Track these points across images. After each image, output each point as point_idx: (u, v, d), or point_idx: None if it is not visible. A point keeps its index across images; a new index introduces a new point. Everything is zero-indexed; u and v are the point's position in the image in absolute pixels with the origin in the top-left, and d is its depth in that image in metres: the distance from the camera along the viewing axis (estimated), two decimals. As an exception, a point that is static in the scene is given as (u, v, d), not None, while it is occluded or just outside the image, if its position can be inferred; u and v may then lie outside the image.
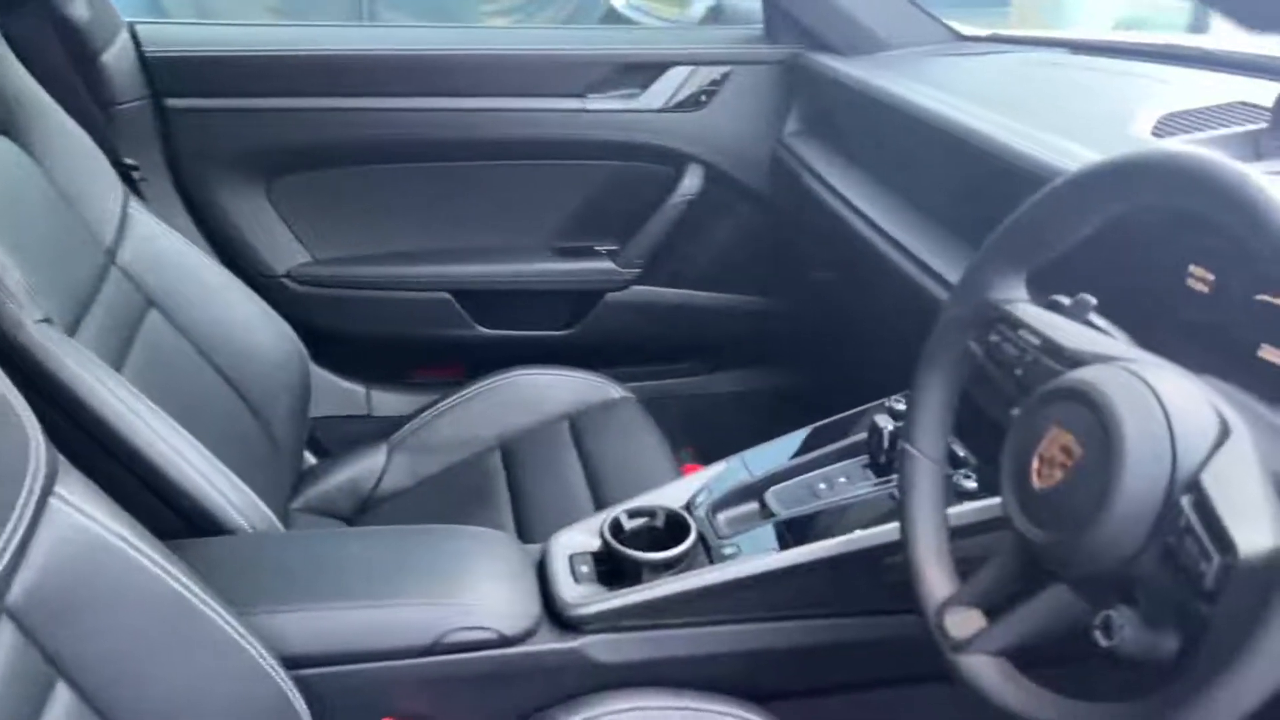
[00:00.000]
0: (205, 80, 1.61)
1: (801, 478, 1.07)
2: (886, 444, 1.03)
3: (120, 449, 0.96)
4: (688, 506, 1.05)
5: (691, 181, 1.74)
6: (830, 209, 1.47)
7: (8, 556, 0.62)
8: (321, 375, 1.71)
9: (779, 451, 1.13)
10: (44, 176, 1.10)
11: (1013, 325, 0.73)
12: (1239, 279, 0.77)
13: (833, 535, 0.95)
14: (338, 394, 1.77)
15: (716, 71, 1.69)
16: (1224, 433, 0.57)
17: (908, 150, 1.38)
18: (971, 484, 0.95)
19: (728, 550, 0.99)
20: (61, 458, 0.70)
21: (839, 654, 0.98)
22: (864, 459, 1.07)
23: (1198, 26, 2.11)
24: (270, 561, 0.98)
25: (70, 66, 1.45)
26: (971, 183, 1.18)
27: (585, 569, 0.98)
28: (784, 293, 1.84)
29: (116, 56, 1.52)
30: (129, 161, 1.54)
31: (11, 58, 1.17)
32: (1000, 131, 1.11)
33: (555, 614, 0.95)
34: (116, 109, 1.54)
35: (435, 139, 1.68)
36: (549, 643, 0.93)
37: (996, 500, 0.85)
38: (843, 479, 1.05)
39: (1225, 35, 1.82)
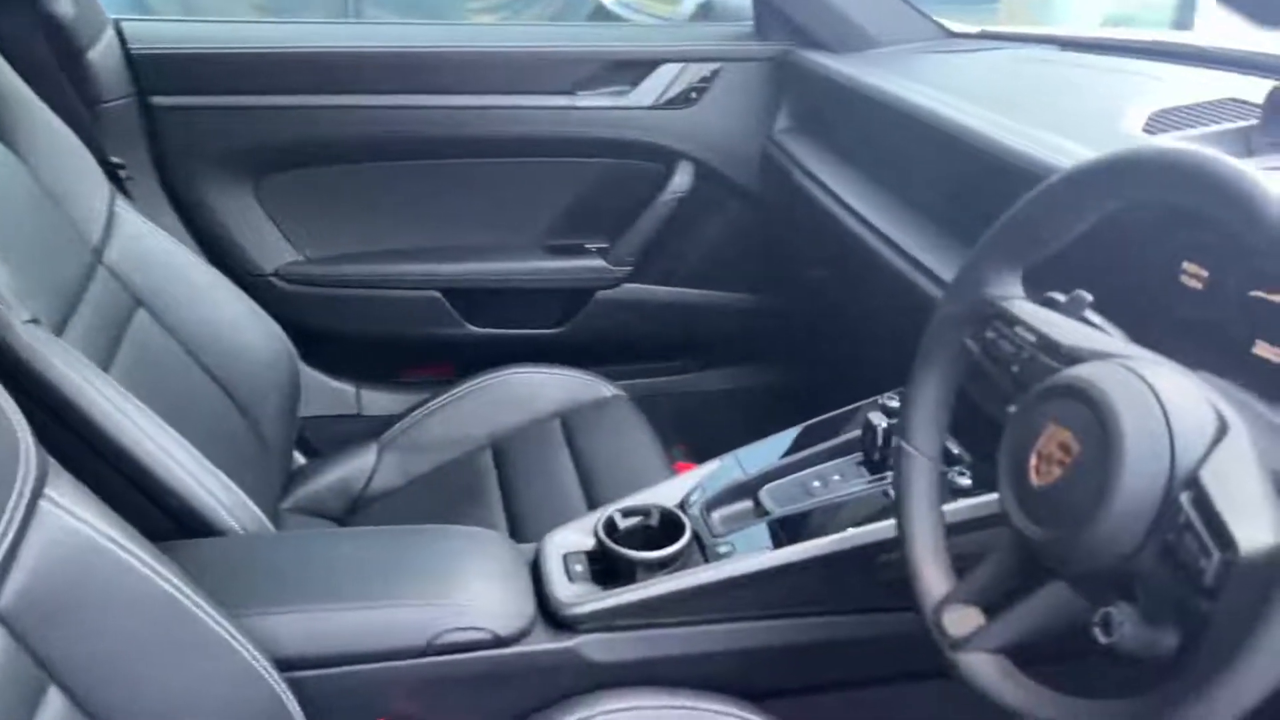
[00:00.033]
0: (192, 78, 1.59)
1: (795, 475, 1.07)
2: (881, 441, 1.03)
3: (108, 449, 0.95)
4: (682, 505, 1.04)
5: (682, 179, 1.73)
6: (821, 206, 1.47)
7: None
8: (311, 375, 1.70)
9: (772, 449, 1.13)
10: (30, 175, 1.09)
11: (1009, 322, 0.73)
12: (1232, 275, 0.77)
13: (827, 533, 0.95)
14: (327, 393, 1.76)
15: (707, 68, 1.68)
16: (1222, 429, 0.57)
17: (899, 147, 1.38)
18: (966, 481, 0.95)
19: (722, 549, 0.99)
20: (51, 460, 0.69)
21: (834, 652, 0.98)
22: (858, 456, 1.07)
23: (1182, 22, 2.13)
24: (262, 563, 0.97)
25: (56, 64, 1.43)
26: (963, 179, 1.18)
27: (579, 568, 0.98)
28: (775, 290, 1.84)
29: (102, 54, 1.50)
30: (115, 160, 1.53)
31: (-4, 55, 1.16)
32: (992, 128, 1.11)
33: (550, 614, 0.94)
34: (102, 107, 1.52)
35: (424, 137, 1.67)
36: (544, 643, 0.93)
37: (991, 497, 0.86)
38: (837, 476, 1.05)
39: (1210, 31, 1.83)
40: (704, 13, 2.19)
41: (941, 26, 1.71)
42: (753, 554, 0.96)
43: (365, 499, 1.41)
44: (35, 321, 0.94)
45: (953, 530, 0.78)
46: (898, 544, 0.79)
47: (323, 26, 1.78)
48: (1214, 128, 0.97)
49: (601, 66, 1.67)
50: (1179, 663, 0.57)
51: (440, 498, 1.37)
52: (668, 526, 0.99)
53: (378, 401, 1.78)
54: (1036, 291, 0.76)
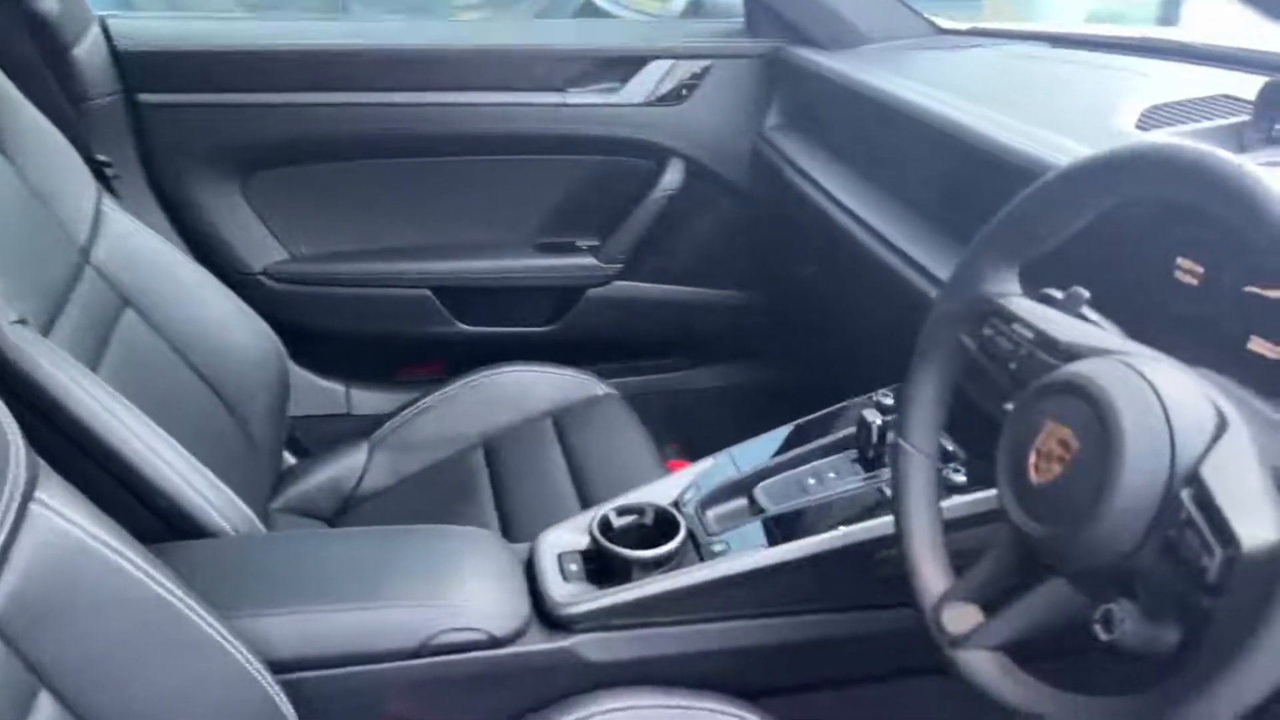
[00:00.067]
0: (178, 75, 1.58)
1: (790, 473, 1.07)
2: (875, 438, 1.03)
3: (97, 450, 0.95)
4: (676, 504, 1.04)
5: (673, 176, 1.73)
6: (812, 202, 1.47)
7: None
8: (300, 374, 1.69)
9: (766, 447, 1.12)
10: (16, 175, 1.07)
11: (1006, 319, 0.73)
12: (1227, 271, 0.77)
13: (822, 530, 0.95)
14: (317, 393, 1.75)
15: (697, 65, 1.68)
16: (1221, 425, 0.57)
17: (890, 144, 1.38)
18: (960, 478, 0.95)
19: (717, 547, 0.99)
20: (42, 462, 0.68)
21: (830, 649, 0.98)
22: (852, 453, 1.07)
23: (1167, 19, 2.13)
24: (254, 564, 0.96)
25: (41, 62, 1.42)
26: (955, 176, 1.18)
27: (574, 568, 0.98)
28: (766, 287, 1.84)
29: (88, 51, 1.49)
30: (102, 158, 1.51)
31: (-20, 53, 1.15)
32: (985, 125, 1.11)
33: (545, 613, 0.94)
34: (88, 105, 1.51)
35: (413, 134, 1.66)
36: (539, 643, 0.92)
37: (987, 493, 0.86)
38: (831, 474, 1.05)
39: (1195, 27, 1.84)
40: (694, 9, 2.18)
41: (931, 23, 1.71)
42: (748, 552, 0.96)
43: (356, 499, 1.40)
44: (22, 322, 0.93)
45: (950, 527, 0.78)
46: (894, 541, 0.79)
47: (310, 24, 1.77)
48: (1206, 124, 0.97)
49: (592, 63, 1.66)
50: (1180, 659, 0.57)
51: (432, 497, 1.37)
52: (662, 525, 0.99)
53: (368, 401, 1.77)
54: (1032, 288, 0.76)
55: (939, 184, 1.25)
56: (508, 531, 1.26)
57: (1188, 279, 0.80)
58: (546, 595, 0.94)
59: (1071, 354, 0.67)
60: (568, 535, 1.01)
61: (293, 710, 0.80)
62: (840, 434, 1.09)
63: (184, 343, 1.21)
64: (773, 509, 1.03)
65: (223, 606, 0.78)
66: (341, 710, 0.88)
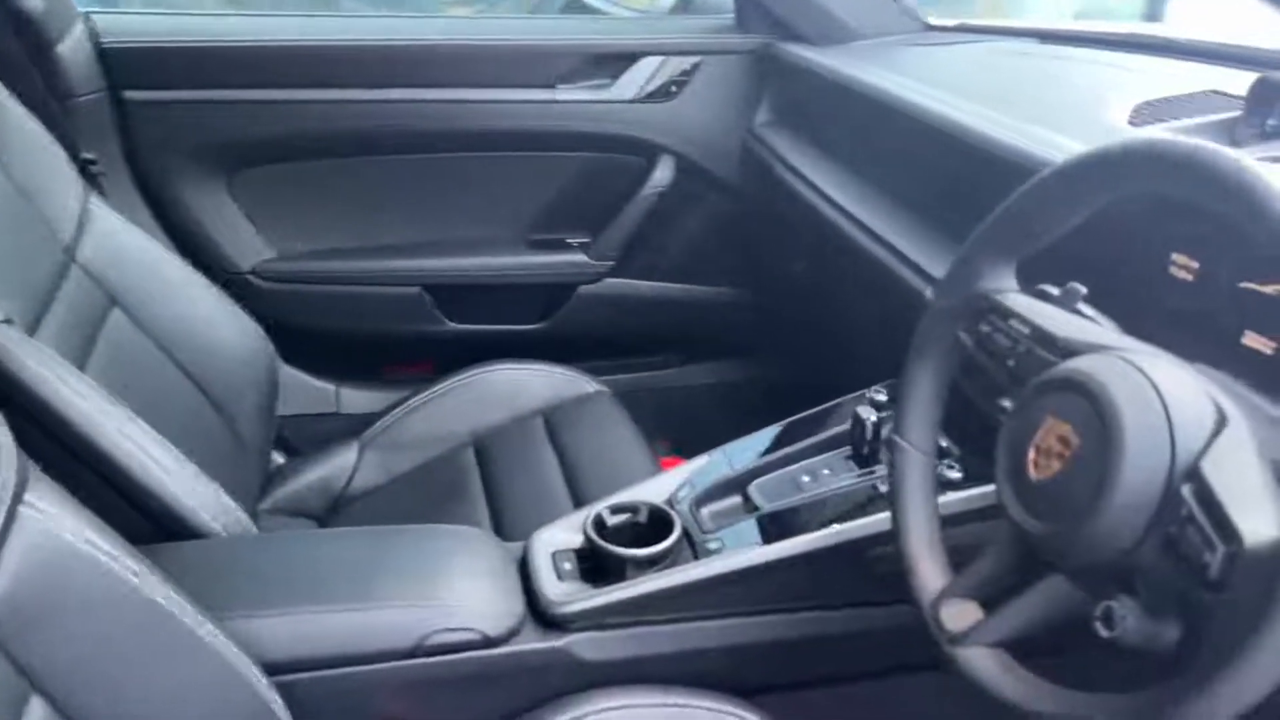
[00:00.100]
0: (164, 72, 1.57)
1: (784, 470, 1.06)
2: (870, 435, 1.03)
3: (85, 450, 0.94)
4: (670, 501, 1.04)
5: (663, 173, 1.73)
6: (802, 199, 1.47)
7: None
8: (289, 373, 1.68)
9: (760, 444, 1.12)
10: (0, 172, 1.06)
11: (1003, 315, 0.73)
12: (1222, 266, 0.77)
13: (817, 528, 0.94)
14: (306, 392, 1.74)
15: (687, 62, 1.68)
16: (1221, 421, 0.57)
17: (881, 140, 1.37)
18: (955, 474, 0.95)
19: (712, 545, 0.98)
20: (31, 463, 0.67)
21: (826, 647, 0.98)
22: (847, 450, 1.06)
23: (1153, 15, 2.14)
24: (245, 565, 0.96)
25: (25, 58, 1.41)
26: (946, 172, 1.18)
27: (568, 566, 0.97)
28: (757, 284, 1.84)
29: (72, 48, 1.48)
30: (87, 156, 1.49)
31: (-36, 50, 1.13)
32: (977, 121, 1.11)
33: (539, 613, 0.93)
34: (74, 102, 1.49)
35: (402, 131, 1.65)
36: (533, 642, 0.92)
37: (984, 489, 0.86)
38: (826, 471, 1.05)
39: (1181, 24, 1.84)
40: (684, 6, 2.18)
41: (921, 19, 1.71)
42: (743, 550, 0.96)
43: (346, 498, 1.39)
44: (8, 322, 0.92)
45: (946, 523, 0.78)
46: (890, 537, 0.79)
47: (298, 20, 1.75)
48: (1198, 119, 0.97)
49: (582, 60, 1.66)
50: (1181, 656, 0.56)
51: (423, 496, 1.36)
52: (657, 523, 0.98)
53: (358, 399, 1.76)
54: (1027, 284, 0.76)
55: (930, 180, 1.25)
56: (500, 530, 1.26)
57: (1183, 274, 0.80)
58: (541, 594, 0.94)
59: (1069, 350, 0.67)
60: (561, 534, 1.01)
61: (286, 712, 0.80)
62: (834, 430, 1.09)
63: (171, 341, 1.20)
64: (767, 506, 1.03)
65: (214, 608, 0.77)
66: (335, 711, 0.88)
